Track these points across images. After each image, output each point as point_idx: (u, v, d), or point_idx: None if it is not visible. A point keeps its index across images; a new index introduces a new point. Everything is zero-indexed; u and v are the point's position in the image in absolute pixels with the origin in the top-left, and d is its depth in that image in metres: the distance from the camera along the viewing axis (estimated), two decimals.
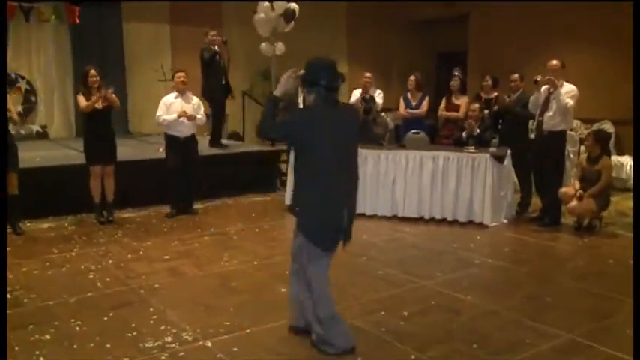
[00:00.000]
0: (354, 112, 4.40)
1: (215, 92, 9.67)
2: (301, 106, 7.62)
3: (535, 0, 10.36)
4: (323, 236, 4.05)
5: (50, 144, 10.53)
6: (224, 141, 10.22)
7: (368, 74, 9.66)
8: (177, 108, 7.91)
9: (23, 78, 11.08)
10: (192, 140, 8.15)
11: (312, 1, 11.48)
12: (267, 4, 9.92)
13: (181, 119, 7.86)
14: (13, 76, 10.96)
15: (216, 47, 9.50)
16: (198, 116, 8.06)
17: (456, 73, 9.50)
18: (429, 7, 13.65)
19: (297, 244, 4.18)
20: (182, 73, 8.13)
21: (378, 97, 9.57)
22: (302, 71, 4.04)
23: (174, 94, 8.07)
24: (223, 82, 9.70)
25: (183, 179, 8.09)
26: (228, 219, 8.07)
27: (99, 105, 7.49)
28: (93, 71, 7.60)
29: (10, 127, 7.14)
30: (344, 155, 4.11)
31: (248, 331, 4.53)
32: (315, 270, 4.10)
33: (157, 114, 7.98)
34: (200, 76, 9.61)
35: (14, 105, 7.28)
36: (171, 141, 8.04)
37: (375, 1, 11.35)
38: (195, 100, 8.18)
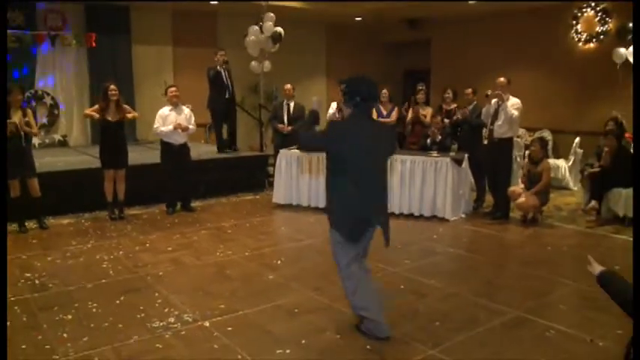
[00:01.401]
0: (390, 130, 4.21)
1: (216, 105, 9.67)
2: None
3: None
4: (345, 226, 3.91)
5: (70, 151, 10.42)
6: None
7: (343, 86, 9.62)
8: (172, 120, 7.83)
9: (48, 94, 11.01)
10: (184, 147, 8.07)
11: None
12: (256, 28, 9.90)
13: (177, 130, 7.80)
14: (40, 92, 10.92)
15: (218, 67, 9.49)
16: (190, 126, 7.97)
17: (421, 88, 9.52)
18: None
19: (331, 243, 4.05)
20: (173, 89, 8.05)
21: None
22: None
23: (169, 107, 7.97)
24: (227, 96, 9.68)
25: (177, 181, 8.03)
26: (222, 215, 8.01)
27: (112, 118, 7.45)
28: (113, 86, 7.56)
29: (34, 139, 7.08)
30: (372, 163, 3.94)
31: (241, 312, 4.52)
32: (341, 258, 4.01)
33: (155, 125, 7.91)
34: (206, 90, 9.71)
35: (34, 119, 7.22)
36: (166, 147, 7.97)
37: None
38: (187, 111, 8.06)
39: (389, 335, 4.02)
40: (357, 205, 3.88)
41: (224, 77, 9.60)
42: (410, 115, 9.28)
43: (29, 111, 7.19)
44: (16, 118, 6.85)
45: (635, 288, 2.44)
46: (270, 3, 10.17)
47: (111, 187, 7.68)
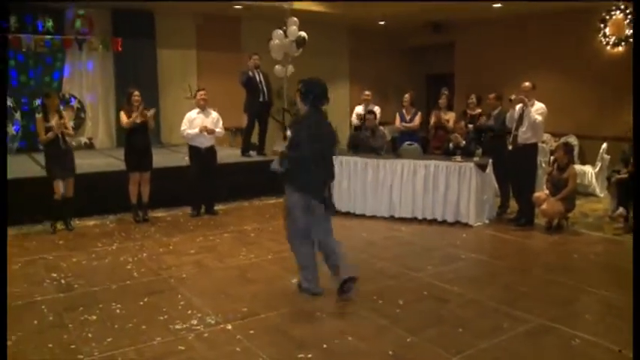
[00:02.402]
0: (332, 127, 5.14)
1: (250, 108, 9.75)
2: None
3: None
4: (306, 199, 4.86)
5: (95, 153, 10.58)
6: (252, 152, 10.22)
7: (367, 92, 9.65)
8: (198, 123, 7.89)
9: (75, 98, 11.20)
10: (211, 150, 8.11)
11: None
12: (281, 32, 9.95)
13: (202, 132, 7.86)
14: (67, 96, 11.11)
15: (250, 71, 9.56)
16: (217, 130, 8.02)
17: (445, 92, 9.50)
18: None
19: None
20: (202, 92, 8.11)
21: (377, 112, 9.63)
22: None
23: (197, 110, 8.04)
24: (261, 99, 9.70)
25: (203, 184, 8.08)
26: (245, 219, 8.04)
27: (138, 120, 7.54)
28: (137, 92, 7.67)
29: (68, 138, 7.27)
30: (325, 150, 4.88)
31: (263, 316, 4.54)
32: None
33: (182, 128, 7.99)
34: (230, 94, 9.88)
35: (69, 120, 7.44)
36: (194, 151, 8.04)
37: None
38: (215, 114, 8.10)
39: (321, 292, 4.97)
40: (314, 180, 4.83)
41: (258, 81, 9.64)
42: (432, 119, 9.27)
43: (64, 113, 7.45)
44: (53, 121, 7.07)
45: (634, 288, 2.41)
46: (293, 5, 10.20)
47: (136, 190, 7.77)
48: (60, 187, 7.17)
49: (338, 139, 5.63)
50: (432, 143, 9.20)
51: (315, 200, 4.87)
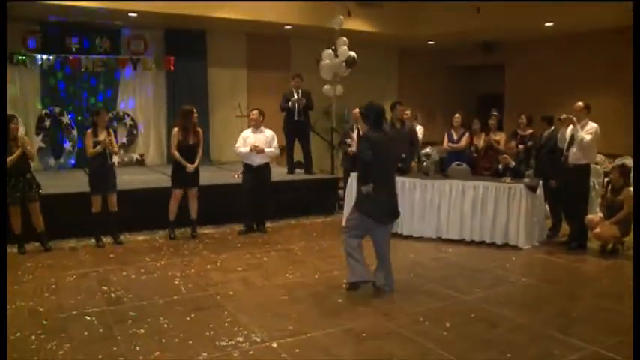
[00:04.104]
0: (402, 134, 5.56)
1: (284, 128, 9.87)
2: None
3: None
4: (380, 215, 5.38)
5: (146, 169, 10.86)
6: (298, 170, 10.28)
7: (407, 111, 9.66)
8: (251, 142, 7.99)
9: (128, 115, 11.55)
10: (264, 168, 8.15)
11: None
12: (330, 51, 10.02)
13: (252, 151, 7.94)
14: (122, 114, 11.50)
15: (289, 99, 9.68)
16: (267, 149, 8.03)
17: (494, 113, 9.40)
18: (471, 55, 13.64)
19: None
20: (255, 111, 8.18)
21: (419, 132, 9.65)
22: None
23: (250, 129, 8.17)
24: (295, 118, 9.79)
25: (254, 201, 8.14)
26: (292, 237, 8.07)
27: (191, 141, 7.67)
28: (195, 110, 7.83)
29: (114, 157, 7.47)
30: (387, 165, 5.41)
31: (309, 335, 4.53)
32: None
33: (236, 145, 8.10)
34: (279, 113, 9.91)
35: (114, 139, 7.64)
36: (246, 169, 8.14)
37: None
38: (269, 133, 8.15)
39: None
40: (383, 202, 5.34)
41: (294, 101, 9.75)
42: (483, 141, 9.17)
43: (111, 131, 7.64)
44: (102, 136, 7.28)
45: (634, 289, 2.32)
46: (343, 25, 10.26)
47: (175, 207, 7.83)
48: (99, 202, 7.34)
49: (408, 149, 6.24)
50: (481, 164, 9.09)
51: (376, 224, 5.40)
